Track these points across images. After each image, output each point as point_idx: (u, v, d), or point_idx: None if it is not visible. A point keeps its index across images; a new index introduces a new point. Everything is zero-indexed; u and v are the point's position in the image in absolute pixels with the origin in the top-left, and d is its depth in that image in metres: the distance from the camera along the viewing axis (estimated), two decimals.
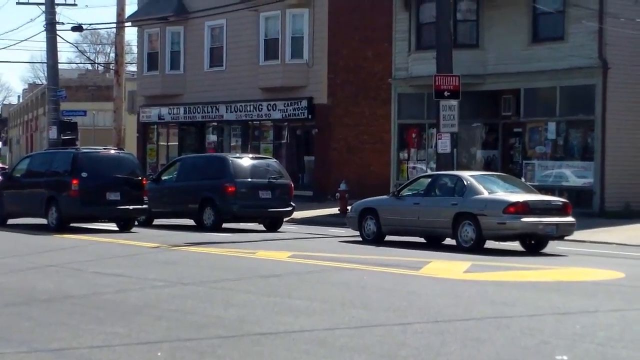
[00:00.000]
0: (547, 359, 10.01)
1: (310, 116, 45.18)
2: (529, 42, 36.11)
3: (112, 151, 31.41)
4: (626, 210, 33.66)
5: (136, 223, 30.01)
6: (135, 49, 71.86)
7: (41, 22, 45.12)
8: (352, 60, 45.45)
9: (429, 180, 25.77)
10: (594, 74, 34.25)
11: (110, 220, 29.75)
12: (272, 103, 46.56)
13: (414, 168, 39.64)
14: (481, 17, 37.49)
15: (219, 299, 14.04)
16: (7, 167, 54.17)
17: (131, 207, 28.74)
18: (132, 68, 69.75)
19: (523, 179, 32.83)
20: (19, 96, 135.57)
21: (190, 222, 31.31)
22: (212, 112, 49.95)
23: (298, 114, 45.56)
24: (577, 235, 25.27)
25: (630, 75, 34.56)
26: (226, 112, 49.04)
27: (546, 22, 35.92)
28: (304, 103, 45.24)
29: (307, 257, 20.64)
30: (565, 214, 23.81)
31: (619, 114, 34.27)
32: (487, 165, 37.13)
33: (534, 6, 35.65)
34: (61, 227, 28.23)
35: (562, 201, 24.73)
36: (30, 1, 49.49)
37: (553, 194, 30.37)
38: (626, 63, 34.44)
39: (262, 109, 47.16)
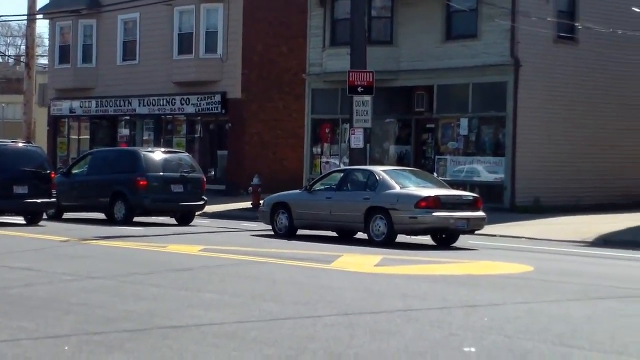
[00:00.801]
0: (455, 351, 10.06)
1: (223, 111, 45.06)
2: (442, 39, 36.44)
3: (20, 144, 30.93)
4: (536, 205, 34.19)
5: (45, 217, 29.64)
6: (46, 42, 70.90)
7: None
8: (267, 56, 45.42)
9: (342, 174, 25.81)
10: (506, 71, 34.68)
11: (17, 214, 29.33)
12: (185, 97, 46.33)
13: (327, 163, 39.76)
14: (395, 14, 37.73)
15: (128, 293, 13.88)
16: None
17: (39, 200, 28.35)
18: (44, 61, 68.74)
19: (435, 174, 33.09)
20: None
21: (101, 215, 31.03)
22: (124, 105, 49.50)
23: (211, 108, 45.39)
24: (488, 229, 25.54)
25: (541, 73, 35.06)
26: (139, 106, 48.64)
27: (459, 20, 36.28)
28: (218, 97, 45.08)
29: (218, 250, 20.53)
30: (476, 209, 24.04)
31: (530, 111, 34.76)
32: (400, 161, 37.38)
33: (448, 4, 35.99)
34: None
35: (473, 196, 24.97)
36: None
37: (465, 189, 30.67)
38: (537, 61, 34.92)
39: (175, 103, 46.90)
